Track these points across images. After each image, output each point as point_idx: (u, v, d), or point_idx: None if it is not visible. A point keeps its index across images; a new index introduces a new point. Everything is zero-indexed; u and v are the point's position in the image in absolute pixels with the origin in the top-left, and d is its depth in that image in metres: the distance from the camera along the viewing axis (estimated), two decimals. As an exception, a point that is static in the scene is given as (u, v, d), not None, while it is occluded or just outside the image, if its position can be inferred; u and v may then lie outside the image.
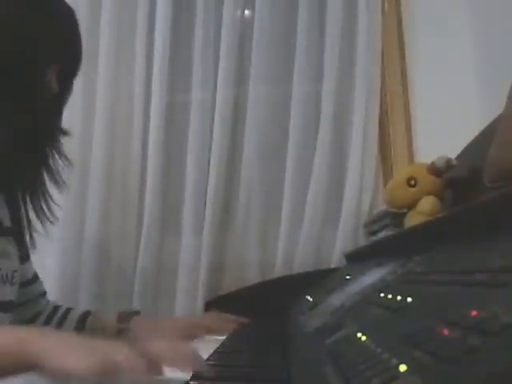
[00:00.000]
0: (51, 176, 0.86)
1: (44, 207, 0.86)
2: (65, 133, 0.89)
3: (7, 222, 0.82)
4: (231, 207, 1.37)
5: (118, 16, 1.40)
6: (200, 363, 0.46)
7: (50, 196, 0.87)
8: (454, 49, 1.36)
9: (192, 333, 0.91)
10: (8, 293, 0.80)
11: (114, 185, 1.35)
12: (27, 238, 0.91)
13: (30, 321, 0.95)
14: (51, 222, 0.88)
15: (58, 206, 0.90)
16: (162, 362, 0.45)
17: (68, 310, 1.00)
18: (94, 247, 1.31)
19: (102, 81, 1.37)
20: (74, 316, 0.98)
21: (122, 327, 0.95)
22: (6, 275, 0.79)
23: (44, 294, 1.01)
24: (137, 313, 1.01)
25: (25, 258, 0.92)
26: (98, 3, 1.40)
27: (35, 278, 0.98)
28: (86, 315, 0.99)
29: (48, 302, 1.01)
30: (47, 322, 0.97)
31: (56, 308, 1.00)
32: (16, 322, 0.94)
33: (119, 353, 0.44)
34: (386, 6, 1.43)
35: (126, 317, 0.97)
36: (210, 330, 0.92)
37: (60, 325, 0.97)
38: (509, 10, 1.14)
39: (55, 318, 0.98)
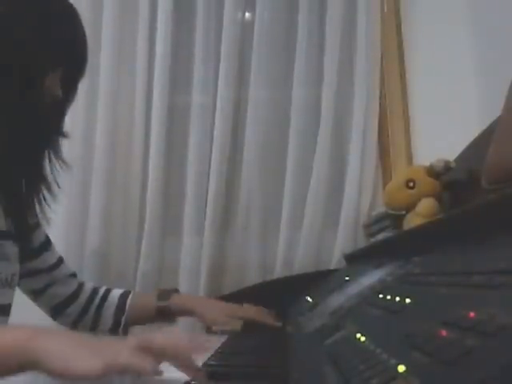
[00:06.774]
0: (45, 182, 0.83)
1: (38, 211, 0.85)
2: (65, 135, 0.87)
3: (6, 225, 0.81)
4: (232, 209, 1.37)
5: (119, 19, 1.40)
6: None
7: (45, 200, 0.84)
8: (452, 52, 1.36)
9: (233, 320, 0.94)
10: (7, 296, 0.80)
11: (116, 187, 1.35)
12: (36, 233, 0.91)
13: (66, 302, 0.95)
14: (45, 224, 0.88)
15: (51, 208, 0.88)
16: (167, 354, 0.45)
17: (108, 291, 1.00)
18: (95, 250, 1.31)
19: (104, 83, 1.37)
20: (115, 296, 0.99)
21: (162, 305, 0.96)
22: (6, 279, 0.79)
23: (73, 275, 1.00)
24: (176, 291, 1.01)
25: (39, 250, 0.92)
26: (99, 5, 1.40)
27: (59, 262, 0.97)
28: (126, 295, 0.99)
29: (82, 283, 1.00)
30: (88, 304, 0.97)
31: (95, 289, 1.00)
32: (47, 307, 0.95)
33: (123, 354, 0.44)
34: (386, 8, 1.43)
35: (165, 295, 0.98)
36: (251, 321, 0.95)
37: (101, 306, 0.97)
38: (508, 11, 1.15)
39: (96, 299, 0.98)
